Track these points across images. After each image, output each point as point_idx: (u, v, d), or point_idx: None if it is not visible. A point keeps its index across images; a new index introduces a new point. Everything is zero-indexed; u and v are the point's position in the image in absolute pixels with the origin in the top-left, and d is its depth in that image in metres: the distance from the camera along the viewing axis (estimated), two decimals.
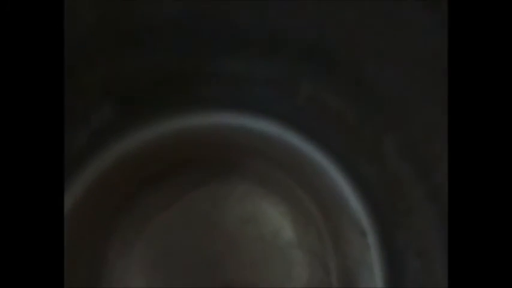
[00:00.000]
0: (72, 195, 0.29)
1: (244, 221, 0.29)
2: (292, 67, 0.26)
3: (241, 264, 0.28)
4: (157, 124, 0.30)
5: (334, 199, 0.30)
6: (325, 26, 0.24)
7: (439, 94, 0.22)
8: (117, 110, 0.28)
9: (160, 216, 0.29)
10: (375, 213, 0.29)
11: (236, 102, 0.30)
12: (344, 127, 0.28)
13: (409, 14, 0.23)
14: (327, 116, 0.28)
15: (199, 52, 0.27)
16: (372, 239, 0.29)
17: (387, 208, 0.28)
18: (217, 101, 0.30)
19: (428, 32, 0.23)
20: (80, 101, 0.27)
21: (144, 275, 0.28)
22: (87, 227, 0.29)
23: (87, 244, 0.29)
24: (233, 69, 0.27)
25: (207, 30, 0.26)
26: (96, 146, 0.29)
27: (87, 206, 0.29)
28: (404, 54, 0.24)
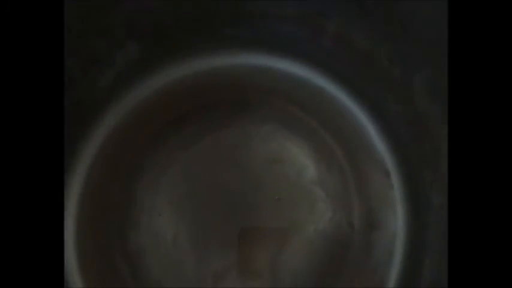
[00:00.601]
0: (99, 135, 0.29)
1: (267, 161, 0.29)
2: (322, 4, 0.25)
3: (265, 203, 0.29)
4: (181, 64, 0.29)
5: (358, 139, 0.30)
6: None
7: None
8: (141, 49, 0.28)
9: (184, 156, 0.29)
10: (399, 154, 0.29)
11: (262, 42, 0.29)
12: (372, 67, 0.27)
13: None
14: (354, 56, 0.27)
15: None
16: (395, 179, 0.29)
17: (413, 148, 0.28)
18: (242, 41, 0.29)
19: None
20: (104, 41, 0.27)
21: (169, 212, 0.29)
22: (115, 165, 0.29)
23: (115, 181, 0.29)
24: (262, 7, 0.26)
25: None
26: (121, 86, 0.29)
27: (113, 146, 0.29)
28: None
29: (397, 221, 0.29)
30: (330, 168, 0.30)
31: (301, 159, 0.30)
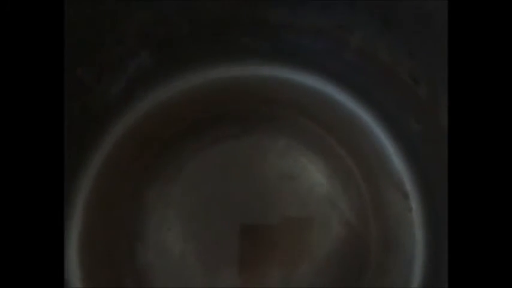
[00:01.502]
0: (109, 142, 0.28)
1: (282, 176, 0.28)
2: (344, 16, 0.24)
3: (278, 220, 0.28)
4: (195, 74, 0.29)
5: (376, 158, 0.29)
6: None
7: None
8: (154, 57, 0.27)
9: (195, 168, 0.28)
10: (419, 175, 0.28)
11: (280, 53, 0.28)
12: (394, 83, 0.26)
13: None
14: (376, 72, 0.26)
15: None
16: (414, 201, 0.28)
17: (433, 170, 0.27)
18: (259, 52, 0.28)
19: None
20: (117, 47, 0.26)
21: (178, 226, 0.28)
22: (123, 174, 0.28)
23: (123, 191, 0.28)
24: (282, 17, 0.25)
25: None
26: (133, 93, 0.28)
27: (121, 155, 0.28)
28: None
29: (415, 244, 0.28)
30: (346, 187, 0.29)
31: (316, 177, 0.29)
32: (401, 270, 0.28)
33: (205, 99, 0.29)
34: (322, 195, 0.28)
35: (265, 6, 0.26)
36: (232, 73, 0.29)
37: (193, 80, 0.29)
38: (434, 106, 0.25)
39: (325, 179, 0.29)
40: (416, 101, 0.26)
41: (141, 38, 0.26)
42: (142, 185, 0.28)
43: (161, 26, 0.26)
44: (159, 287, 0.27)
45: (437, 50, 0.23)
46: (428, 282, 0.27)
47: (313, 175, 0.29)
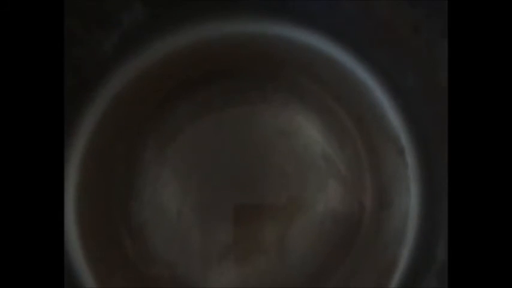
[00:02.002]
0: (104, 99, 0.28)
1: (278, 134, 0.28)
2: None
3: (274, 177, 0.28)
4: (191, 29, 0.28)
5: (373, 115, 0.29)
6: None
7: None
8: (148, 11, 0.26)
9: (192, 126, 0.28)
10: (415, 131, 0.28)
11: (276, 10, 0.28)
12: (392, 37, 0.26)
13: None
14: (374, 24, 0.26)
15: None
16: (410, 157, 0.28)
17: (429, 125, 0.27)
18: (257, 8, 0.28)
19: None
20: (111, 1, 0.25)
21: (175, 184, 0.28)
22: (119, 131, 0.28)
23: (119, 149, 0.28)
24: None
25: None
26: (128, 49, 0.27)
27: (117, 111, 0.28)
28: None
29: (409, 200, 0.28)
30: (342, 145, 0.29)
31: (312, 134, 0.28)
32: (396, 225, 0.28)
33: (203, 57, 0.28)
34: (318, 152, 0.28)
35: None
36: (230, 30, 0.28)
37: (189, 36, 0.28)
38: (433, 61, 0.25)
39: (321, 136, 0.28)
40: (415, 57, 0.26)
41: None
42: (138, 143, 0.28)
43: None
44: (155, 244, 0.28)
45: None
46: (423, 236, 0.28)
47: (309, 132, 0.28)
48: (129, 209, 0.28)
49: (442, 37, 0.23)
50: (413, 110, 0.28)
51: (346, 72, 0.29)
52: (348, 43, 0.28)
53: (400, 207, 0.28)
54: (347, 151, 0.28)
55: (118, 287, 0.27)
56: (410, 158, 0.28)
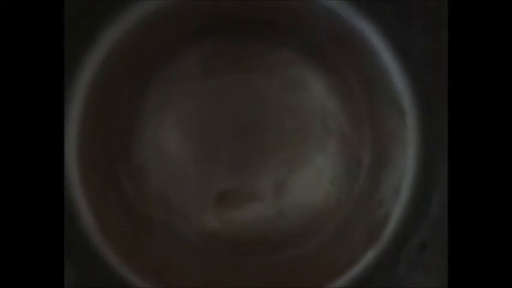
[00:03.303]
0: (107, 41, 0.28)
1: (284, 88, 0.29)
2: None
3: (276, 129, 0.28)
4: None
5: (377, 75, 0.29)
6: None
7: None
8: None
9: (197, 74, 0.28)
10: (418, 93, 0.28)
11: None
12: None
13: None
14: None
15: None
16: (411, 119, 0.29)
17: (433, 90, 0.27)
18: None
19: None
20: None
21: (176, 128, 0.28)
22: (123, 74, 0.28)
23: (122, 91, 0.28)
24: None
25: None
26: None
27: (121, 54, 0.28)
28: None
29: (406, 160, 0.29)
30: (345, 102, 0.29)
31: (317, 90, 0.29)
32: (392, 184, 0.28)
33: (211, 4, 0.29)
34: (321, 108, 0.29)
35: None
36: None
37: None
38: (440, 24, 0.25)
39: (325, 92, 0.29)
40: (423, 19, 0.26)
41: None
42: (143, 86, 0.28)
43: None
44: (153, 185, 0.28)
45: None
46: (418, 195, 0.28)
47: (314, 88, 0.29)
48: (130, 150, 0.28)
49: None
50: (418, 73, 0.28)
51: (354, 32, 0.29)
52: (357, 1, 0.28)
53: (396, 166, 0.29)
54: (349, 109, 0.29)
55: (115, 224, 0.28)
56: (410, 119, 0.29)
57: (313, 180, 0.28)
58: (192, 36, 0.29)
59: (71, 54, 0.27)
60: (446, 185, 0.25)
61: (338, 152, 0.29)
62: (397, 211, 0.28)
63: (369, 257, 0.28)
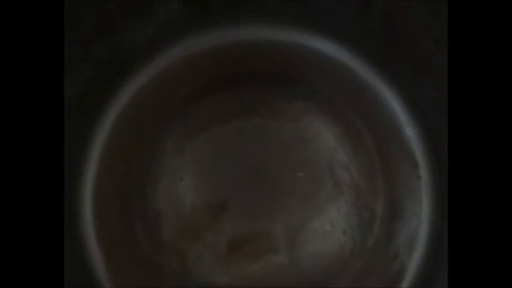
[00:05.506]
0: (129, 91, 0.29)
1: (296, 139, 0.29)
2: None
3: (289, 179, 0.28)
4: (223, 30, 0.29)
5: (389, 126, 0.29)
6: None
7: None
8: (185, 8, 0.28)
9: (214, 123, 0.29)
10: (430, 144, 0.29)
11: (303, 18, 0.29)
12: (412, 50, 0.27)
13: None
14: (394, 38, 0.27)
15: None
16: (424, 170, 0.29)
17: (445, 140, 0.27)
18: (283, 16, 0.29)
19: None
20: None
21: (191, 178, 0.28)
22: (141, 123, 0.29)
23: (140, 140, 0.29)
24: None
25: None
26: (158, 43, 0.29)
27: (141, 103, 0.29)
28: None
29: (421, 212, 0.28)
30: (357, 152, 0.29)
31: (329, 140, 0.29)
32: (406, 237, 0.28)
33: (228, 58, 0.29)
34: (333, 159, 0.29)
35: None
36: (256, 35, 0.29)
37: (219, 37, 0.29)
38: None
39: (336, 143, 0.29)
40: (434, 70, 0.27)
41: None
42: (160, 134, 0.29)
43: None
44: (166, 233, 0.28)
45: None
46: (433, 250, 0.28)
47: (326, 138, 0.29)
48: (145, 197, 0.28)
49: None
50: (430, 123, 0.28)
51: (364, 82, 0.29)
52: (368, 53, 0.29)
53: (411, 219, 0.28)
54: (361, 159, 0.29)
55: (126, 271, 0.27)
56: (424, 171, 0.29)
57: (326, 231, 0.28)
58: (210, 86, 0.29)
59: (95, 103, 0.28)
60: None
61: (350, 203, 0.28)
62: (412, 264, 0.28)
63: None
